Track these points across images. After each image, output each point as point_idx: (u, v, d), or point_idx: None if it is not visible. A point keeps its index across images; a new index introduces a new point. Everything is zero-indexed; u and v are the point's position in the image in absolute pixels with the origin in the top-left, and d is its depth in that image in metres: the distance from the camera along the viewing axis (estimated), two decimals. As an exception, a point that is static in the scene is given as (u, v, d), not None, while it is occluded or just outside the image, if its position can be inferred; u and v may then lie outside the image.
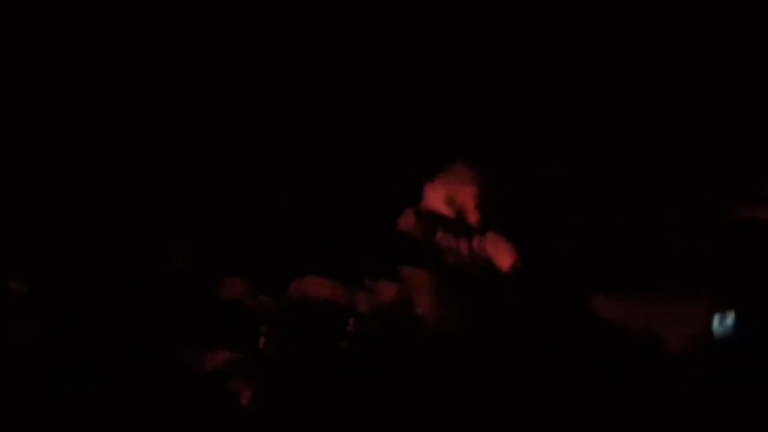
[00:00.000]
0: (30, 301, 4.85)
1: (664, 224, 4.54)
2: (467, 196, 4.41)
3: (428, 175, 4.57)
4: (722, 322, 4.07)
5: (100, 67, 5.24)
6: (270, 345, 4.34)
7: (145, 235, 5.16)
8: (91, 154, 5.24)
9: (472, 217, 4.40)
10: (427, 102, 5.11)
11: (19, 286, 4.89)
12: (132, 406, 4.39)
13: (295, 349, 4.30)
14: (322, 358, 4.22)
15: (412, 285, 4.36)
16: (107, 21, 5.23)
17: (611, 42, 4.91)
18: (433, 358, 4.14)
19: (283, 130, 5.22)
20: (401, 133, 5.05)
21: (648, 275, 4.35)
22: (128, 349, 4.57)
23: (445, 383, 4.03)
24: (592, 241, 4.42)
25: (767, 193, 4.26)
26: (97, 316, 4.75)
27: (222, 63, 5.25)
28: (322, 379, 4.14)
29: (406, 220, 4.44)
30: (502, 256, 4.24)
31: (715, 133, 4.69)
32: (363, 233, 4.62)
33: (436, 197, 4.46)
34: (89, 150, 5.24)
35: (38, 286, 4.92)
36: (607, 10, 4.89)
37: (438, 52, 5.15)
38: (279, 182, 5.10)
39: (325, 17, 5.19)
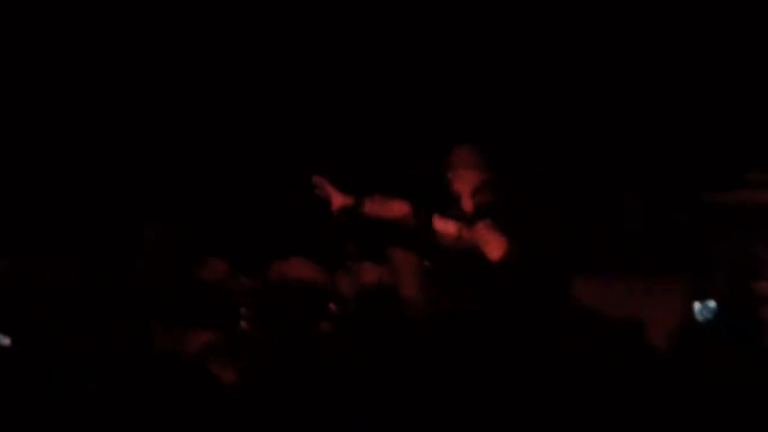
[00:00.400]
0: (30, 301, 4.84)
1: (649, 216, 4.56)
2: (464, 184, 4.41)
3: (424, 164, 4.56)
4: (704, 310, 4.08)
5: (100, 68, 5.24)
6: (252, 327, 4.31)
7: (144, 234, 5.16)
8: (91, 154, 5.24)
9: (467, 205, 4.40)
10: (428, 97, 5.11)
11: (18, 286, 4.89)
12: (131, 405, 4.38)
13: (277, 331, 4.27)
14: (304, 339, 4.19)
15: (397, 268, 4.35)
16: (107, 21, 5.22)
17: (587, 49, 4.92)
18: (418, 341, 4.13)
19: (270, 119, 5.22)
20: (398, 125, 5.05)
21: (631, 264, 4.37)
22: (128, 349, 4.56)
23: (430, 366, 4.02)
24: (579, 232, 4.42)
25: (750, 183, 4.28)
26: (97, 316, 4.75)
27: (207, 64, 5.24)
28: (305, 360, 4.12)
29: (400, 205, 4.42)
30: (493, 246, 4.24)
31: (695, 127, 4.71)
32: (351, 216, 4.60)
33: (431, 184, 4.46)
34: (89, 150, 5.24)
35: (38, 286, 4.92)
36: (606, 11, 4.89)
37: (441, 52, 5.14)
38: (263, 168, 5.09)
39: (325, 20, 5.19)
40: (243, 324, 4.35)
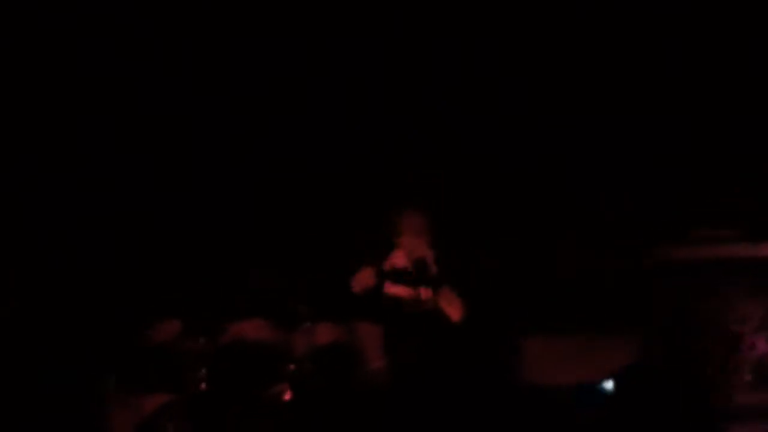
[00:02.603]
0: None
1: (593, 272, 4.58)
2: (426, 249, 4.44)
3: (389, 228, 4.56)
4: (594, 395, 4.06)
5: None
6: (208, 387, 4.33)
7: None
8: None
9: (431, 270, 4.42)
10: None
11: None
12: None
13: (233, 392, 4.31)
14: (260, 400, 4.23)
15: (361, 339, 4.38)
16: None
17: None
18: (370, 401, 4.18)
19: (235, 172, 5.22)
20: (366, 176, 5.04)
21: (574, 322, 4.38)
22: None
23: (386, 424, 4.06)
24: (527, 290, 4.47)
25: (693, 239, 4.28)
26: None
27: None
28: (260, 420, 4.15)
29: (363, 275, 4.46)
30: (454, 308, 4.30)
31: (639, 184, 4.71)
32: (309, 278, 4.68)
33: (398, 251, 4.48)
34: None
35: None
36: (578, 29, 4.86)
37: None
38: (222, 223, 5.10)
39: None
40: (199, 385, 4.35)
